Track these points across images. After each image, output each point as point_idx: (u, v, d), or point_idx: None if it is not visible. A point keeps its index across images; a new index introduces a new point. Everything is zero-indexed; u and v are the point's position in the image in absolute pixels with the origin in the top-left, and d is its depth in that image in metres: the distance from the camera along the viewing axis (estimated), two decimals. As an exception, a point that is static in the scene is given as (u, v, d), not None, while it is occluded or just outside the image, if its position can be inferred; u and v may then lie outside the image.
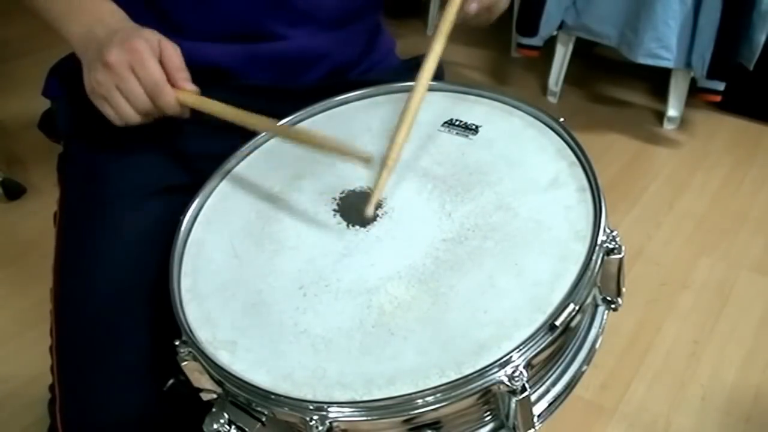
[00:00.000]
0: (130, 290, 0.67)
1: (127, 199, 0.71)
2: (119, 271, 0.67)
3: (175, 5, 0.72)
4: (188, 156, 0.74)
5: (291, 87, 0.78)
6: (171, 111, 0.64)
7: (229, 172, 0.69)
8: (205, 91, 0.66)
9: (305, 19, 0.76)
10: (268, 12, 0.73)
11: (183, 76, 0.65)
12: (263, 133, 0.71)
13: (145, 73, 0.62)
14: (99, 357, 0.65)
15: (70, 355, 0.67)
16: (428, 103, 0.72)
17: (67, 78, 0.66)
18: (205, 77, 0.67)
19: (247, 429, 0.50)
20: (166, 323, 0.56)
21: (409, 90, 0.65)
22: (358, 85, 0.77)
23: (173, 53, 0.64)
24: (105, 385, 0.64)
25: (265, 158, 0.71)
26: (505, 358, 0.47)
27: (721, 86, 1.70)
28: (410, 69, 0.66)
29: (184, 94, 0.65)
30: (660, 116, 1.97)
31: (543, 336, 0.49)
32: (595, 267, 0.54)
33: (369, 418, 0.47)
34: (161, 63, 0.63)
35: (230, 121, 0.65)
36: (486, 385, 0.47)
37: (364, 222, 0.61)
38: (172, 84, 0.64)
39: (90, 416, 0.63)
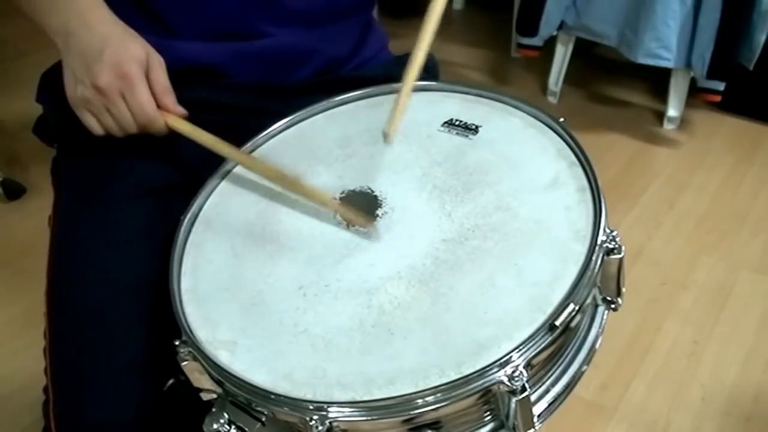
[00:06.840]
0: (123, 291, 0.66)
1: (117, 200, 0.71)
2: (111, 271, 0.67)
3: (164, 5, 0.72)
4: (178, 156, 0.74)
5: (281, 84, 0.78)
6: (159, 134, 0.66)
7: (229, 172, 0.69)
8: (195, 89, 0.65)
9: (293, 16, 0.75)
10: (255, 10, 0.73)
11: (170, 100, 0.66)
12: (262, 135, 0.71)
13: (134, 102, 0.63)
14: (91, 358, 0.64)
15: (63, 356, 0.66)
16: (428, 103, 0.73)
17: (57, 85, 0.66)
18: (194, 76, 0.67)
19: (247, 429, 0.50)
20: (165, 323, 0.56)
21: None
22: (349, 81, 0.77)
23: (160, 73, 0.65)
24: (97, 385, 0.63)
25: (266, 158, 0.71)
26: (505, 358, 0.47)
27: (721, 86, 1.70)
28: (403, 65, 0.65)
29: (173, 119, 0.66)
30: (660, 116, 1.96)
31: (543, 336, 0.49)
32: (595, 267, 0.54)
33: (369, 418, 0.47)
34: (148, 82, 0.64)
35: (217, 153, 0.65)
36: (486, 385, 0.47)
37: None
38: (159, 105, 0.65)
39: (82, 417, 0.63)
